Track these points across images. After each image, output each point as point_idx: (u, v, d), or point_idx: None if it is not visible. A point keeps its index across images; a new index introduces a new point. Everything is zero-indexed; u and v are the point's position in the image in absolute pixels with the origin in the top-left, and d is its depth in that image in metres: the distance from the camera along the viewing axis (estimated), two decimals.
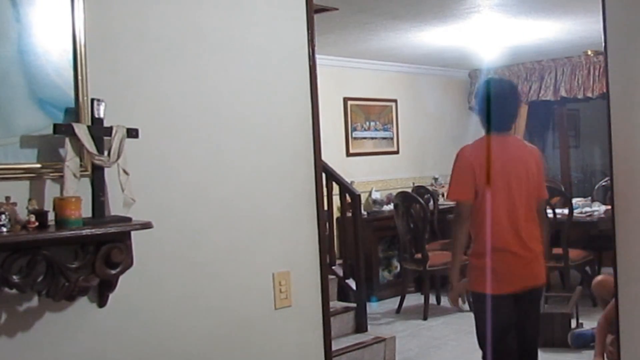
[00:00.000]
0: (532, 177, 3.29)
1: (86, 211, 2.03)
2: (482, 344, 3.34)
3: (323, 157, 2.91)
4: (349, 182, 5.30)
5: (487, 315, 3.28)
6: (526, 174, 3.27)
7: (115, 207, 2.13)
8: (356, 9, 4.97)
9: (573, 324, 5.07)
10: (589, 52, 7.42)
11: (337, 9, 4.83)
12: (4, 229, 1.83)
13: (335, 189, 5.07)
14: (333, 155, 6.47)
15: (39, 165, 2.02)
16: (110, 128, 2.10)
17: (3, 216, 1.83)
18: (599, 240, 6.23)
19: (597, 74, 7.50)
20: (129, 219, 2.09)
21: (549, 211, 5.82)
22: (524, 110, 8.24)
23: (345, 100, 7.24)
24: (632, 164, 2.67)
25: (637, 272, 2.66)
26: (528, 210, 3.26)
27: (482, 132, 3.36)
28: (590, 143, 9.69)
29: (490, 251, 3.23)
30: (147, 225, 2.08)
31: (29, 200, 1.93)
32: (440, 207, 7.01)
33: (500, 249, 3.21)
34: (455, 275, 3.38)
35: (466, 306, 4.73)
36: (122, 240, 2.07)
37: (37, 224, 1.89)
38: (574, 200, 6.36)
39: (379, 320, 6.02)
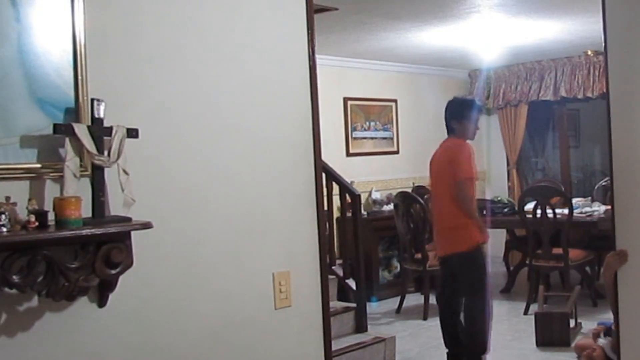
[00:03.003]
0: (446, 168, 4.39)
1: (86, 211, 2.03)
2: None
3: (323, 157, 2.91)
4: (349, 182, 5.29)
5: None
6: (442, 167, 4.45)
7: (115, 207, 2.13)
8: (356, 9, 4.97)
9: (572, 323, 5.07)
10: (589, 52, 7.42)
11: (337, 9, 4.83)
12: (4, 229, 1.83)
13: (335, 189, 5.06)
14: (333, 155, 6.46)
15: (39, 165, 2.02)
16: (110, 128, 2.10)
17: (3, 216, 1.83)
18: (599, 240, 6.23)
19: (597, 74, 7.50)
20: (129, 219, 2.09)
21: (549, 211, 5.86)
22: (523, 110, 8.24)
23: (345, 100, 7.24)
24: (632, 164, 2.66)
25: (637, 272, 2.66)
26: (448, 194, 4.35)
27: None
28: (590, 143, 9.69)
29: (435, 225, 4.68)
30: (147, 225, 2.08)
31: (29, 200, 1.93)
32: None
33: (436, 224, 4.61)
34: None
35: None
36: (122, 240, 2.07)
37: (37, 224, 1.89)
38: (574, 200, 6.36)
39: (379, 320, 6.02)
